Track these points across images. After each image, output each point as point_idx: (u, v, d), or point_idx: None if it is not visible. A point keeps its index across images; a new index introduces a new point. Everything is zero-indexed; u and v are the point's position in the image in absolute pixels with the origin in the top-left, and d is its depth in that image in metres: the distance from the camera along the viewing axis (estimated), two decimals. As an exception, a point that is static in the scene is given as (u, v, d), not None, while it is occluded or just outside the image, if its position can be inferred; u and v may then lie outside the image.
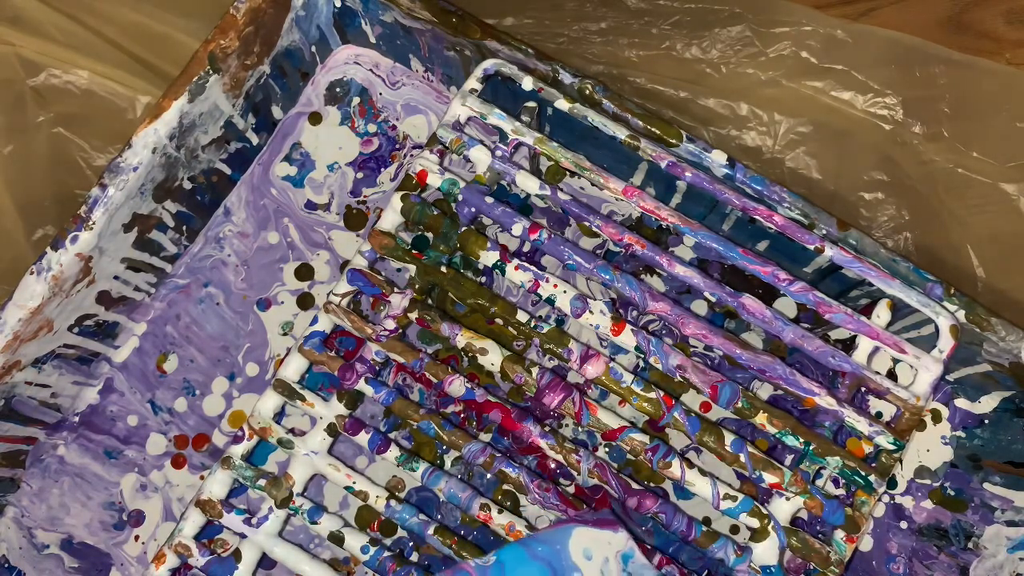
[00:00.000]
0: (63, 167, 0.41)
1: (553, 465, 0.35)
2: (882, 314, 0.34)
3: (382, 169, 0.42)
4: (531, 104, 0.37)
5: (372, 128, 0.42)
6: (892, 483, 0.39)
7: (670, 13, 0.42)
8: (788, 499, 0.32)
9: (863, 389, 0.33)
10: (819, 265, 0.37)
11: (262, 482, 0.34)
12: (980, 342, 0.35)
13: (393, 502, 0.33)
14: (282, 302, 0.40)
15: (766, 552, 0.32)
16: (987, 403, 0.39)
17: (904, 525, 0.39)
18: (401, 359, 0.33)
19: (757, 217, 0.34)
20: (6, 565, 0.37)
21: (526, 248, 0.40)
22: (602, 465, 0.33)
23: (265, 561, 0.35)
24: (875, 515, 0.39)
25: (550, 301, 0.33)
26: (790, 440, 0.32)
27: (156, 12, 0.42)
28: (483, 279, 0.39)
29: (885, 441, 0.32)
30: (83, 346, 0.37)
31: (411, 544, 0.37)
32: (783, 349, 0.39)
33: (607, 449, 0.36)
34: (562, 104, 0.35)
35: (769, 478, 0.32)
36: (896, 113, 0.41)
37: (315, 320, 0.35)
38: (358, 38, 0.41)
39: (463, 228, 0.34)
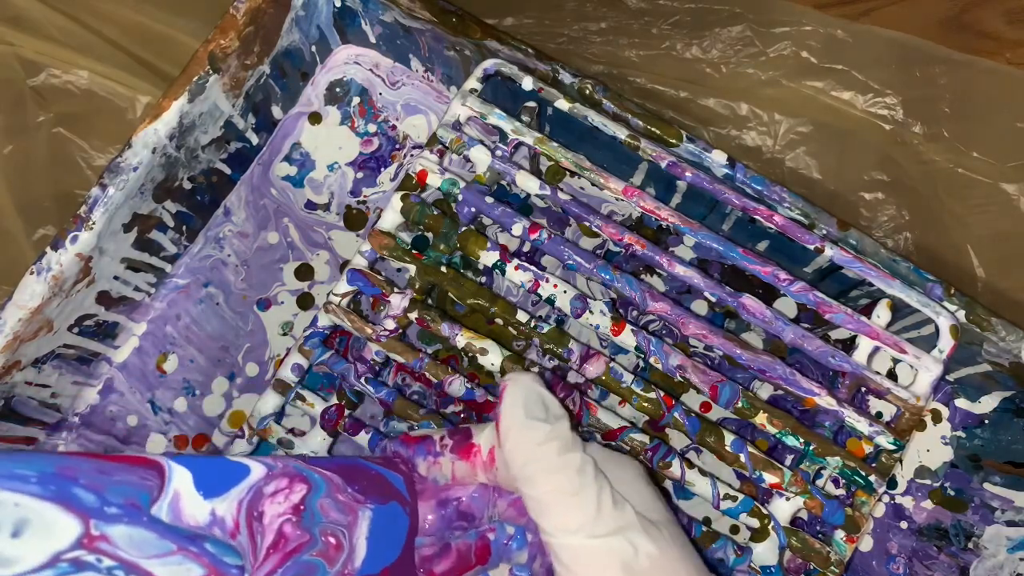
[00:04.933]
0: (63, 167, 0.41)
1: (553, 465, 0.35)
2: (882, 314, 0.34)
3: (382, 169, 0.42)
4: (531, 104, 0.37)
5: (372, 128, 0.42)
6: (892, 483, 0.39)
7: (670, 13, 0.42)
8: (788, 499, 0.32)
9: (863, 389, 0.33)
10: (819, 265, 0.37)
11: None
12: (980, 342, 0.35)
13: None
14: (282, 302, 0.40)
15: (766, 552, 0.32)
16: (987, 403, 0.39)
17: (904, 525, 0.39)
18: (401, 359, 0.33)
19: (757, 217, 0.34)
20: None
21: (526, 248, 0.40)
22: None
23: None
24: (875, 515, 0.39)
25: (550, 301, 0.33)
26: (790, 440, 0.32)
27: (156, 12, 0.42)
28: (483, 279, 0.39)
29: (885, 441, 0.32)
30: (83, 346, 0.37)
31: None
32: (783, 349, 0.38)
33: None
34: (562, 104, 0.35)
35: (769, 478, 0.32)
36: (896, 113, 0.41)
37: (315, 320, 0.35)
38: (358, 38, 0.41)
39: (463, 228, 0.34)
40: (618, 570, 0.24)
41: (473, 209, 0.34)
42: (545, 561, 0.28)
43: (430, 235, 0.34)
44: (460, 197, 0.34)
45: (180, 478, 0.23)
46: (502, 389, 0.27)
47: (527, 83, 0.35)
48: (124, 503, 0.22)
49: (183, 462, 0.24)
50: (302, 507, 0.25)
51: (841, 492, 0.32)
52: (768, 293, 0.38)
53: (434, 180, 0.34)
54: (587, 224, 0.34)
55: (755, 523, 0.32)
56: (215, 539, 0.23)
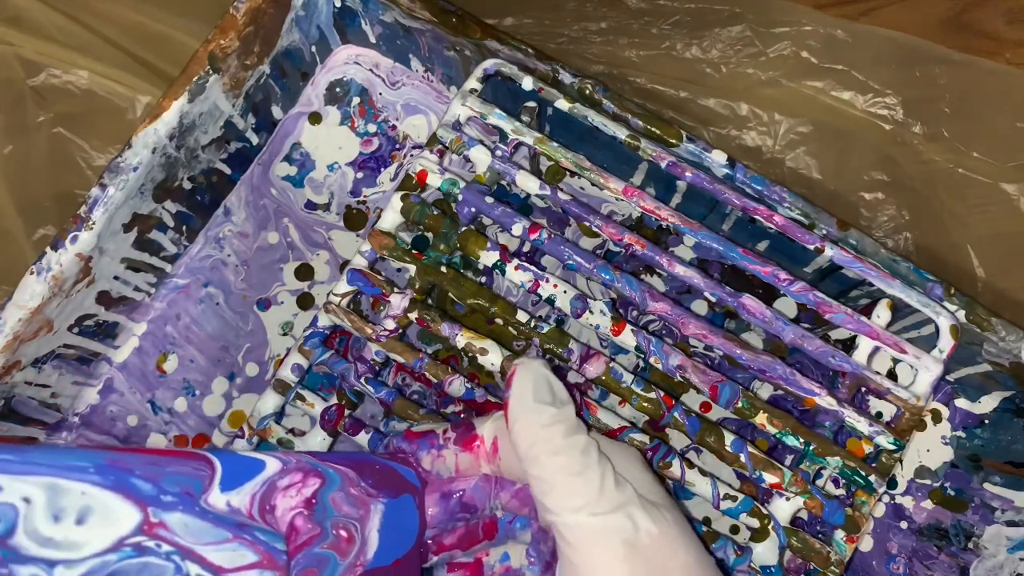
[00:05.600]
0: (63, 167, 0.41)
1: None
2: (882, 314, 0.34)
3: (382, 169, 0.42)
4: (531, 104, 0.37)
5: (372, 128, 0.42)
6: (892, 483, 0.39)
7: (670, 13, 0.42)
8: (788, 499, 0.32)
9: (863, 389, 0.33)
10: (819, 265, 0.37)
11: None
12: (980, 342, 0.35)
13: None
14: (282, 302, 0.40)
15: (766, 552, 0.32)
16: (987, 403, 0.39)
17: (904, 525, 0.39)
18: (401, 359, 0.33)
19: (757, 217, 0.34)
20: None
21: (526, 248, 0.40)
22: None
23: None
24: (875, 515, 0.39)
25: (550, 301, 0.33)
26: (790, 440, 0.32)
27: (156, 12, 0.42)
28: (483, 279, 0.39)
29: (885, 441, 0.32)
30: (83, 346, 0.37)
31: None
32: (783, 349, 0.38)
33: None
34: (562, 104, 0.35)
35: (769, 478, 0.32)
36: (896, 113, 0.41)
37: (315, 320, 0.35)
38: (358, 38, 0.41)
39: (463, 228, 0.34)
40: (619, 546, 0.25)
41: (473, 209, 0.34)
42: (548, 544, 0.28)
43: (430, 235, 0.34)
44: (460, 197, 0.34)
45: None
46: (511, 373, 0.28)
47: (527, 83, 0.35)
48: (180, 492, 0.23)
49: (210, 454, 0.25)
50: (314, 501, 0.25)
51: (841, 492, 0.32)
52: (768, 293, 0.38)
53: (434, 180, 0.34)
54: (587, 224, 0.34)
55: (755, 523, 0.32)
56: (263, 528, 0.24)
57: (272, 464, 0.25)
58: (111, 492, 0.22)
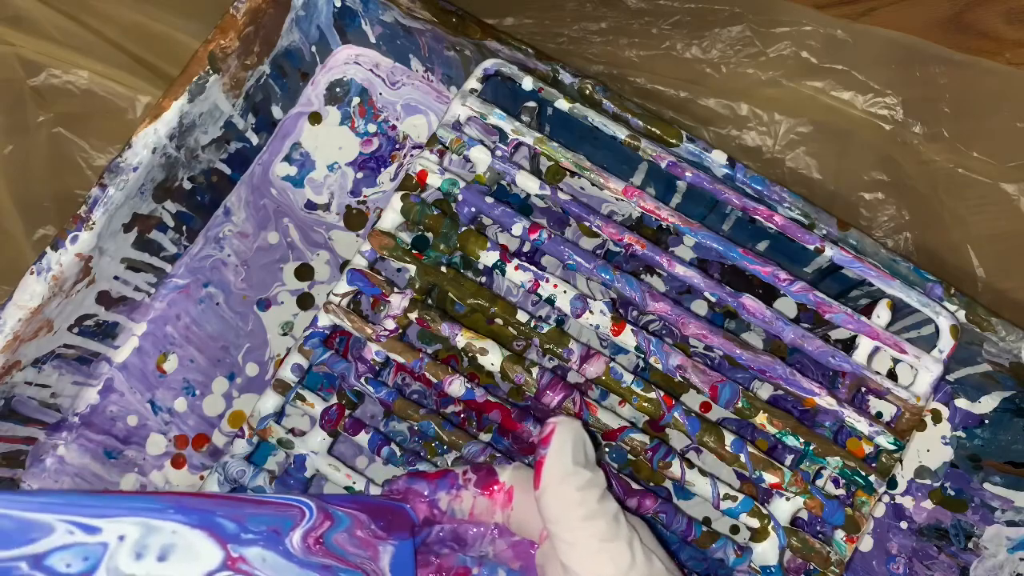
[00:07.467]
0: (63, 167, 0.41)
1: (553, 465, 0.35)
2: (882, 314, 0.34)
3: (382, 169, 0.42)
4: (531, 104, 0.37)
5: (372, 128, 0.42)
6: (892, 483, 0.39)
7: (670, 13, 0.42)
8: (788, 499, 0.32)
9: (863, 389, 0.33)
10: (819, 265, 0.37)
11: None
12: (980, 342, 0.35)
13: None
14: (282, 302, 0.40)
15: (766, 552, 0.32)
16: (987, 403, 0.39)
17: (904, 525, 0.39)
18: (401, 359, 0.33)
19: (757, 217, 0.34)
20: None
21: (526, 248, 0.40)
22: (603, 465, 0.33)
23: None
24: (875, 515, 0.39)
25: (550, 301, 0.33)
26: (790, 440, 0.32)
27: (156, 12, 0.42)
28: (483, 279, 0.39)
29: (885, 441, 0.32)
30: (83, 346, 0.37)
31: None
32: (783, 349, 0.38)
33: (607, 449, 0.36)
34: (562, 104, 0.35)
35: (769, 478, 0.32)
36: (896, 113, 0.41)
37: (315, 320, 0.35)
38: (358, 38, 0.41)
39: (463, 228, 0.34)
40: None
41: (473, 209, 0.34)
42: None
43: (430, 235, 0.34)
44: (460, 197, 0.34)
45: None
46: (550, 431, 0.27)
47: (527, 83, 0.35)
48: (266, 530, 0.24)
49: None
50: (321, 541, 0.26)
51: (841, 492, 0.32)
52: (768, 293, 0.38)
53: (434, 180, 0.34)
54: (587, 224, 0.34)
55: (755, 523, 0.32)
56: (346, 568, 0.25)
57: None
58: (197, 530, 0.23)
